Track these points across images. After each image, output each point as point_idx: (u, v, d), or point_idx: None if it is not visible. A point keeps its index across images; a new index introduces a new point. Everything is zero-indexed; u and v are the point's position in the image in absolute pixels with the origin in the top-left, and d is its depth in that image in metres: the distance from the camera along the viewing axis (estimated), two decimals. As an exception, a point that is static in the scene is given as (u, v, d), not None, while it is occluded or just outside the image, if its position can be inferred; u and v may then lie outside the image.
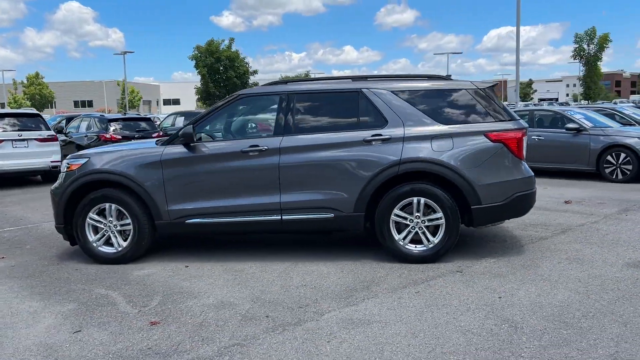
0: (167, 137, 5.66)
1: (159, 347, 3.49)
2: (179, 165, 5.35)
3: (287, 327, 3.73)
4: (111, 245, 5.51)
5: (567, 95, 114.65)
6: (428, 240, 5.08)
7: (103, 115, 15.47)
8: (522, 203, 5.16)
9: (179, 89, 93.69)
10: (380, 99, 5.22)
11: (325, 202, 5.17)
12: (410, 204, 5.07)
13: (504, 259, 5.14)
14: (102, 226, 5.47)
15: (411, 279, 4.64)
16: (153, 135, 14.82)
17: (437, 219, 5.05)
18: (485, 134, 5.05)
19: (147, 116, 16.70)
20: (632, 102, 32.81)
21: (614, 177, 10.12)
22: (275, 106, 5.42)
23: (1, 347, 3.58)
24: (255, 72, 41.79)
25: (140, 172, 5.38)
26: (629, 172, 9.99)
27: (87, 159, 5.56)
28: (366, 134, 5.14)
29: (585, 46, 40.78)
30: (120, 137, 14.36)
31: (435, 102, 5.22)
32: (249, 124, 5.68)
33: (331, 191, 5.16)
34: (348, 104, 5.31)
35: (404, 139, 5.07)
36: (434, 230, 5.09)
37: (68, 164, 5.65)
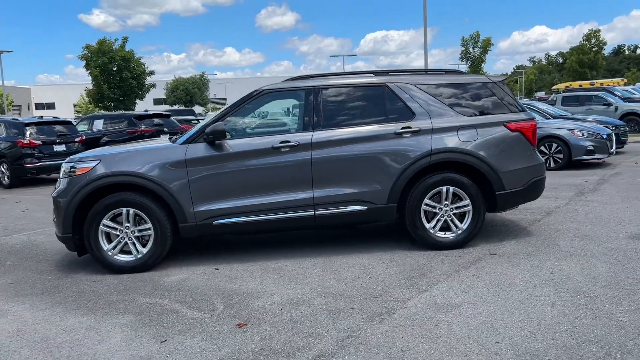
0: (185, 135, 5.39)
1: (270, 346, 3.37)
2: (205, 163, 5.12)
3: (383, 316, 3.76)
4: (128, 253, 5.15)
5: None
6: (456, 227, 5.33)
7: (17, 119, 14.09)
8: (537, 188, 5.58)
9: (52, 92, 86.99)
10: (406, 92, 5.38)
11: (358, 195, 5.23)
12: (439, 193, 5.28)
13: (523, 240, 5.52)
14: (118, 233, 5.09)
15: (457, 264, 4.85)
16: (76, 140, 13.84)
17: (465, 206, 5.31)
18: (504, 124, 5.40)
19: (68, 119, 15.50)
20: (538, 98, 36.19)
21: (547, 165, 11.14)
22: (301, 101, 5.37)
23: (92, 365, 3.26)
24: (152, 72, 40.06)
25: (162, 173, 5.08)
26: (560, 161, 11.05)
27: (97, 162, 5.13)
28: (396, 126, 5.28)
29: (471, 49, 44.30)
30: (40, 142, 13.22)
31: (456, 94, 5.47)
32: (276, 120, 5.55)
33: (364, 184, 5.22)
34: (374, 98, 5.41)
35: (432, 131, 5.27)
36: (461, 218, 5.35)
37: (73, 167, 5.17)
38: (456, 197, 5.32)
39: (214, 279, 4.80)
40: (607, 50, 68.69)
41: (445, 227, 5.36)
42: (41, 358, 3.38)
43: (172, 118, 16.58)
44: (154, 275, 5.01)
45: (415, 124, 5.28)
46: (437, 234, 5.32)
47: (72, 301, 4.43)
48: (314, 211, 5.21)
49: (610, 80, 45.58)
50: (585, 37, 57.78)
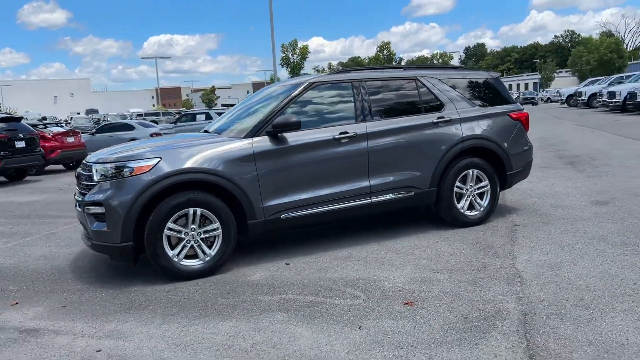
0: (240, 128, 5.13)
1: (463, 315, 3.58)
2: (272, 157, 4.97)
3: (515, 279, 4.20)
4: (192, 257, 4.74)
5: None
6: (479, 204, 6.00)
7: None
8: (529, 168, 6.54)
9: None
10: (435, 85, 5.90)
11: (407, 181, 5.58)
12: (466, 175, 5.90)
13: (523, 215, 6.41)
14: (183, 236, 4.67)
15: (504, 235, 5.50)
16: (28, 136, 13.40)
17: (484, 186, 6.01)
18: (508, 114, 6.24)
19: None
20: None
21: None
22: (349, 93, 5.51)
23: None
24: None
25: (232, 168, 4.81)
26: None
27: (157, 159, 4.62)
28: (432, 116, 5.75)
29: (290, 55, 46.25)
30: None
31: (469, 88, 6.15)
32: (326, 111, 5.50)
33: (412, 170, 5.59)
34: (409, 90, 5.81)
35: (460, 120, 5.87)
36: (481, 196, 6.04)
37: (123, 166, 4.57)
38: (478, 179, 5.99)
39: (303, 272, 4.72)
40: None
41: (470, 206, 6.00)
42: (259, 362, 3.12)
43: (23, 122, 14.47)
44: (229, 277, 4.71)
45: (446, 114, 5.82)
46: (466, 213, 5.93)
47: (186, 310, 4.00)
48: (370, 199, 5.42)
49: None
50: (379, 49, 64.75)
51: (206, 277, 4.72)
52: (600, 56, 61.80)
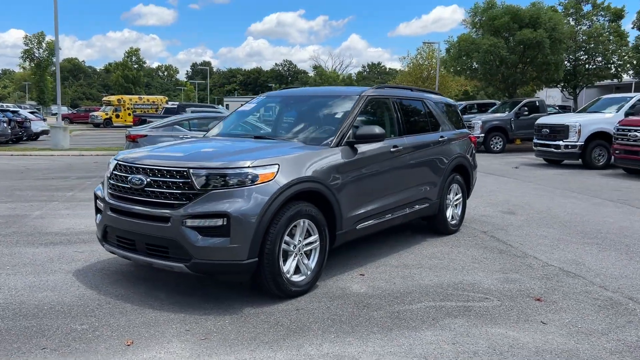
0: (324, 138, 4.93)
1: (599, 302, 4.35)
2: (352, 167, 4.94)
3: (562, 272, 5.15)
4: (298, 272, 4.44)
5: None
6: (457, 214, 6.86)
7: None
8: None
9: None
10: (432, 108, 6.56)
11: (425, 193, 6.10)
12: (451, 188, 6.70)
13: (480, 221, 7.49)
14: (292, 249, 4.35)
15: (489, 240, 6.45)
16: None
17: (461, 197, 6.91)
18: (468, 136, 7.27)
19: None
20: None
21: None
22: (389, 108, 5.76)
23: None
24: None
25: (331, 178, 4.66)
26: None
27: (277, 166, 4.20)
28: (437, 135, 6.40)
29: (36, 50, 40.01)
30: None
31: (446, 112, 6.97)
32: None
33: (428, 184, 6.13)
34: (419, 110, 6.34)
35: (450, 140, 6.65)
36: (456, 206, 6.89)
37: (249, 174, 4.04)
38: (457, 191, 6.85)
39: (393, 281, 4.83)
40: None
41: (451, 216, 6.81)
42: None
43: None
44: (329, 292, 4.54)
45: (444, 134, 6.54)
46: (451, 222, 6.72)
47: (351, 326, 3.79)
48: (407, 209, 5.78)
49: (155, 97, 50.32)
50: (127, 55, 61.14)
51: (304, 294, 4.44)
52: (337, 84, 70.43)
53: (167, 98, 51.47)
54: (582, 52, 27.35)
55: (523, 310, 4.17)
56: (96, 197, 4.80)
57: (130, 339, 3.53)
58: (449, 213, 6.64)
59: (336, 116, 5.29)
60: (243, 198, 3.97)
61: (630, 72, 26.66)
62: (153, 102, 46.76)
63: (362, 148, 5.10)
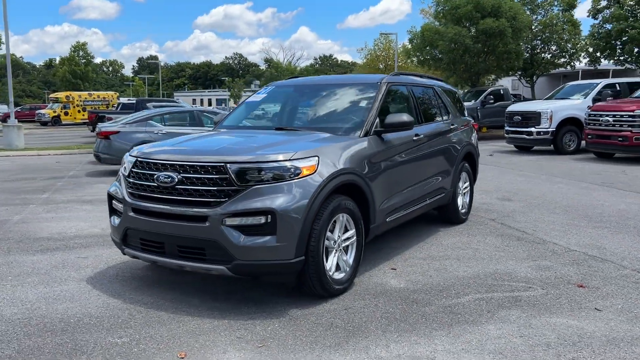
0: (351, 128, 4.69)
1: None
2: (382, 157, 4.74)
3: (594, 260, 5.14)
4: (338, 269, 4.21)
5: None
6: (465, 203, 6.77)
7: None
8: None
9: None
10: (442, 95, 6.42)
11: (441, 182, 5.97)
12: (461, 176, 6.60)
13: (487, 210, 7.44)
14: (333, 245, 4.12)
15: (504, 227, 6.41)
16: None
17: (467, 187, 6.82)
18: (470, 123, 7.19)
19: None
20: None
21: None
22: (407, 96, 5.58)
23: None
24: None
25: (365, 169, 4.44)
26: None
27: (316, 157, 3.94)
28: (448, 122, 6.26)
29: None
30: None
31: (452, 100, 6.85)
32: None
33: (444, 173, 6.00)
34: (431, 98, 6.18)
35: (458, 128, 6.53)
36: (464, 195, 6.80)
37: (292, 167, 3.78)
38: (466, 179, 6.76)
39: (428, 274, 4.68)
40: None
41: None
42: None
43: None
44: (367, 289, 4.35)
45: (453, 122, 6.42)
46: (461, 210, 6.61)
47: (411, 324, 3.61)
48: (427, 200, 5.63)
49: (105, 93, 48.56)
50: (73, 49, 58.57)
51: (343, 293, 4.22)
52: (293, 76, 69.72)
53: (117, 94, 49.68)
54: (538, 41, 28.04)
55: (572, 298, 4.09)
56: (111, 198, 4.41)
57: (182, 350, 3.22)
58: (459, 202, 6.54)
59: (360, 104, 5.07)
60: (287, 193, 3.71)
61: (585, 59, 27.48)
62: (104, 98, 45.07)
63: (388, 137, 4.91)
